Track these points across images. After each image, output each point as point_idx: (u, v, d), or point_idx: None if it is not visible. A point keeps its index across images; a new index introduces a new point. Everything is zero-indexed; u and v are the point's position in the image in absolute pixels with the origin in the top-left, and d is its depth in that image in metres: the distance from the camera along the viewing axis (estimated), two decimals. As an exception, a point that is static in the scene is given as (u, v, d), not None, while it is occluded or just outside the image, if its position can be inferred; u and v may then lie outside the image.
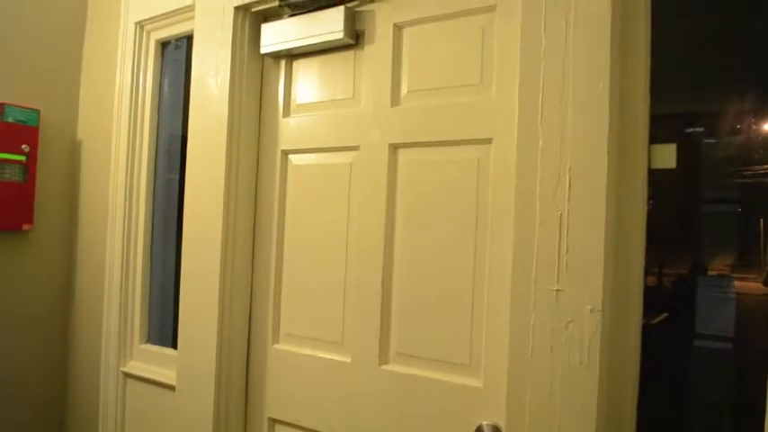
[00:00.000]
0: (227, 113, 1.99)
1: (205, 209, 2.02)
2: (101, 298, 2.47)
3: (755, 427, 1.22)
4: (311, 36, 1.90)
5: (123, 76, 2.44)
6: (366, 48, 1.86)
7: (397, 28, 1.79)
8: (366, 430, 1.75)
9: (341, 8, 1.83)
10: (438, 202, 1.68)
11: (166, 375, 2.21)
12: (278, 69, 2.06)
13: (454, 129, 1.65)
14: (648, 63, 1.41)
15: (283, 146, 2.03)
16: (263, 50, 1.99)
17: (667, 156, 1.44)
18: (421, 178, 1.72)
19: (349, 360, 1.80)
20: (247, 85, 2.04)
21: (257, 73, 2.08)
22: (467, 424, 1.55)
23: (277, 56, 2.03)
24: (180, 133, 2.43)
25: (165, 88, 2.46)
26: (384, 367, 1.74)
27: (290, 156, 2.02)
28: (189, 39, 2.28)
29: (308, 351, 1.91)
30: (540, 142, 1.40)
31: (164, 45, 2.44)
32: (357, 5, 1.86)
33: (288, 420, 1.94)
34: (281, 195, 2.03)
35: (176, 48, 2.45)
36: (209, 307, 1.98)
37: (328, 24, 1.86)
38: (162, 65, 2.44)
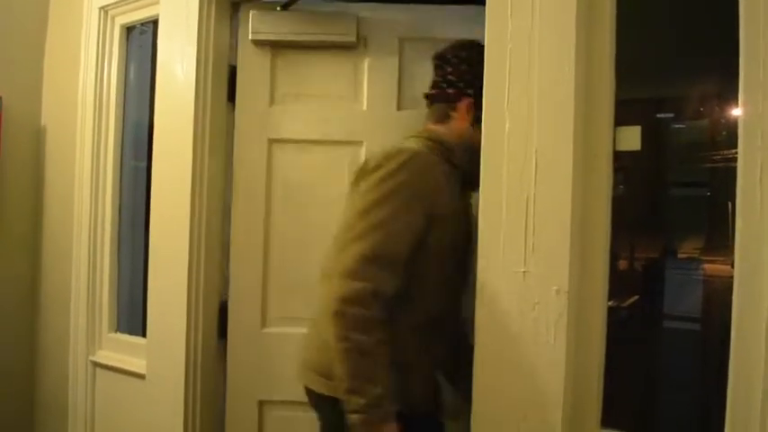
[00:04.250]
0: (193, 99, 1.96)
1: (172, 196, 2.00)
2: (68, 287, 2.43)
3: (720, 405, 1.24)
4: (317, 33, 1.99)
5: (87, 63, 2.39)
6: (370, 51, 2.04)
7: (401, 41, 2.03)
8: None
9: (353, 15, 2.00)
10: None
11: (136, 364, 2.18)
12: (264, 58, 2.06)
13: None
14: (613, 46, 1.41)
15: (270, 134, 2.05)
16: (252, 37, 2.00)
17: (632, 138, 1.45)
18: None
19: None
20: (215, 70, 2.02)
21: (224, 59, 2.06)
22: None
23: (262, 44, 2.04)
24: (147, 121, 2.39)
25: (131, 74, 2.42)
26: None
27: (277, 144, 2.05)
28: (155, 24, 2.24)
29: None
30: (507, 125, 1.40)
31: (129, 30, 2.39)
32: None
33: (280, 399, 2.01)
34: (268, 181, 2.05)
35: (142, 33, 2.40)
36: (177, 295, 1.97)
37: (338, 26, 1.99)
38: (127, 51, 2.40)
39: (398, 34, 2.03)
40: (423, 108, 1.79)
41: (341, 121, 2.04)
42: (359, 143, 2.02)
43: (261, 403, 2.04)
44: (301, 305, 1.99)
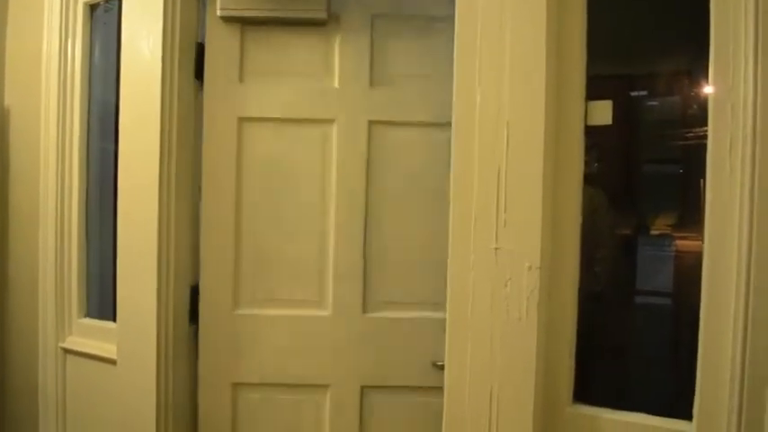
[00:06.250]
0: (159, 77, 1.91)
1: (139, 177, 1.96)
2: (35, 273, 2.38)
3: (690, 377, 1.26)
4: (287, 10, 1.96)
5: (51, 42, 2.32)
6: (341, 28, 1.98)
7: (373, 17, 1.97)
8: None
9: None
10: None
11: (107, 349, 2.15)
12: (233, 35, 2.00)
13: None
14: (585, 19, 1.40)
15: (239, 113, 2.00)
16: (220, 13, 1.95)
17: (604, 112, 1.45)
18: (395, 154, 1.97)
19: (329, 313, 1.98)
20: (182, 48, 1.97)
21: (192, 36, 2.01)
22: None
23: (230, 20, 1.99)
24: (114, 101, 2.34)
25: (97, 53, 2.36)
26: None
27: (247, 122, 2.01)
28: (119, 1, 2.18)
29: (280, 311, 1.99)
30: (478, 98, 1.39)
31: (92, 8, 2.33)
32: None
33: (255, 381, 1.99)
34: (238, 161, 2.01)
35: (106, 11, 2.34)
36: (147, 278, 1.93)
37: (308, 3, 1.94)
38: (91, 29, 2.33)
39: (370, 11, 1.98)
40: (395, 84, 1.90)
41: (312, 99, 2.00)
42: (330, 121, 1.99)
43: (234, 386, 2.01)
44: (275, 285, 2.00)
